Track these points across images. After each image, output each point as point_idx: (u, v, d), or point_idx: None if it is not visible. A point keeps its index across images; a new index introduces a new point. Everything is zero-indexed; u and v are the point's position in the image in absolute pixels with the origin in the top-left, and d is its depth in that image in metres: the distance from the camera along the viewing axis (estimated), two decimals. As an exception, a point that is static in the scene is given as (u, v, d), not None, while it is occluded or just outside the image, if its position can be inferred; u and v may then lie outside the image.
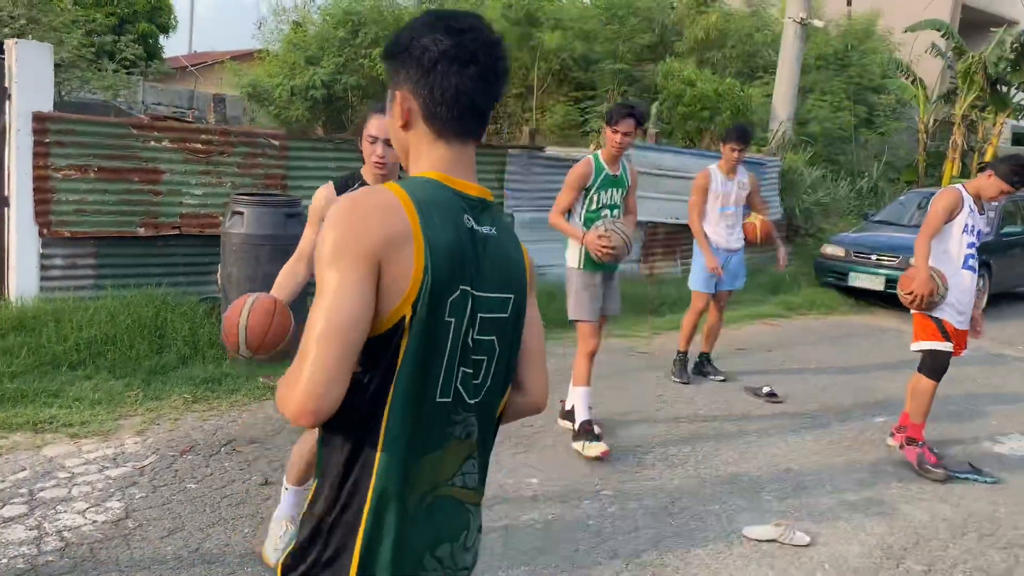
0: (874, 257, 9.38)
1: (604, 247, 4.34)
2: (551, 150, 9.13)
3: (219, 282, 5.86)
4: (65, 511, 3.45)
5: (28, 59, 5.61)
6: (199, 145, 6.32)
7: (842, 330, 8.47)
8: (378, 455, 1.37)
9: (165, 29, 32.67)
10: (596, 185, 4.58)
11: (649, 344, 7.27)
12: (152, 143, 6.11)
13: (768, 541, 3.66)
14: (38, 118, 5.60)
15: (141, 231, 6.12)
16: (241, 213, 5.58)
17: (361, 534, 1.37)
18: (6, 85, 5.62)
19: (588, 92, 15.87)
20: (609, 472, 4.30)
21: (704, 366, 6.28)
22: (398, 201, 1.37)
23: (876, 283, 9.18)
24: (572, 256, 4.67)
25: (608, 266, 4.62)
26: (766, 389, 5.83)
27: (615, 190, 4.63)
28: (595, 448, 4.42)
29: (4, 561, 3.02)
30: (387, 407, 1.36)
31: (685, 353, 6.18)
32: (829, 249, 9.95)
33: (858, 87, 17.06)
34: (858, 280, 9.42)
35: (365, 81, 19.93)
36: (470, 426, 1.48)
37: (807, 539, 3.68)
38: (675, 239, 10.08)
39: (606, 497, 4.00)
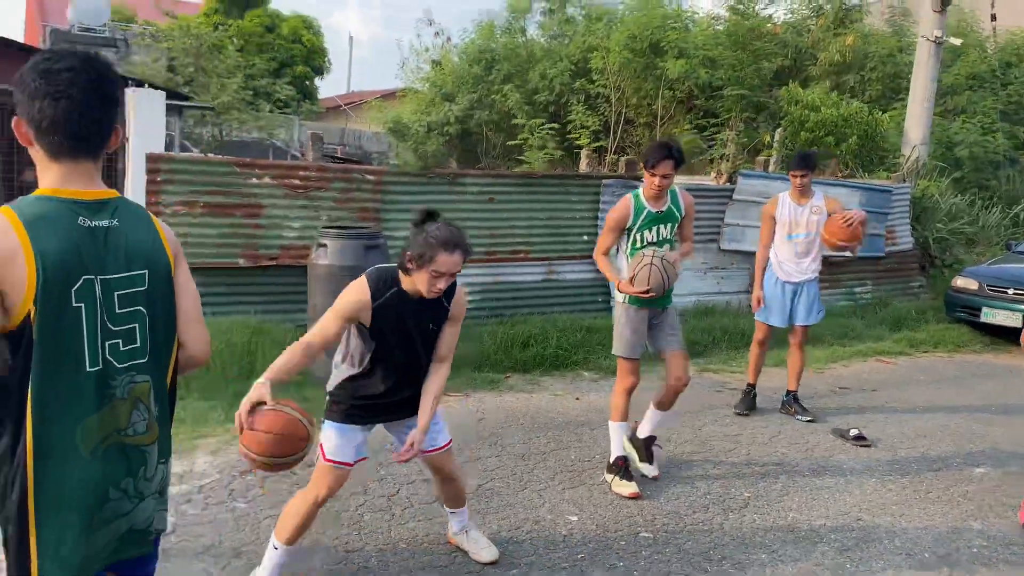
0: (1011, 291, 8.57)
1: (637, 292, 4.25)
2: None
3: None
4: (121, 522, 3.73)
5: (143, 105, 6.20)
6: (298, 181, 6.72)
7: (967, 370, 7.78)
8: (29, 425, 1.69)
9: (320, 71, 34.96)
10: (638, 224, 4.44)
11: (741, 379, 6.96)
12: (254, 180, 6.56)
13: (810, 596, 3.41)
14: (151, 158, 6.15)
15: (242, 262, 6.56)
16: (325, 245, 5.88)
17: (30, 475, 1.71)
18: (126, 131, 6.22)
19: (711, 120, 15.55)
20: (656, 513, 4.15)
21: (789, 405, 5.97)
22: (8, 223, 1.67)
23: (1013, 320, 8.37)
24: (617, 291, 4.56)
25: (660, 302, 4.47)
26: (854, 432, 5.44)
27: (662, 225, 4.47)
28: (626, 487, 4.31)
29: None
30: (29, 385, 1.69)
31: (751, 386, 6.01)
32: (961, 282, 9.18)
33: (1018, 107, 15.76)
34: (992, 316, 8.62)
35: (497, 116, 20.48)
36: (131, 384, 1.82)
37: (854, 598, 3.41)
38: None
39: (643, 540, 3.86)
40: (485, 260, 7.59)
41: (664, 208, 4.47)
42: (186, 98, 19.36)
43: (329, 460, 3.09)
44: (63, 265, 1.70)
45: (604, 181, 8.22)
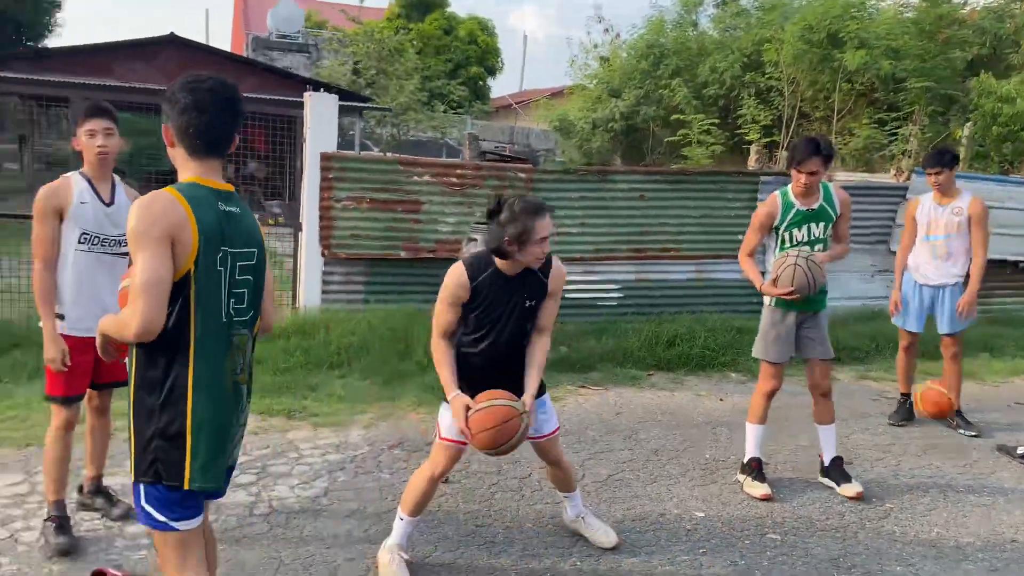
0: None
1: (780, 294, 4.16)
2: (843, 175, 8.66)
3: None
4: (281, 485, 4.16)
5: (319, 109, 6.75)
6: (454, 179, 7.08)
7: None
8: (191, 362, 2.18)
9: (493, 71, 35.95)
10: (786, 223, 4.33)
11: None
12: (415, 177, 6.97)
13: (944, 613, 3.27)
14: (324, 157, 6.70)
15: (403, 254, 7.00)
16: (475, 240, 6.17)
17: (190, 399, 2.18)
18: (304, 131, 6.81)
19: (893, 114, 14.62)
20: (786, 517, 4.09)
21: (951, 419, 5.61)
22: (176, 199, 2.16)
23: None
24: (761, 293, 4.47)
25: (809, 305, 4.34)
26: (1021, 450, 5.05)
27: (814, 224, 4.32)
28: (758, 488, 4.27)
29: (222, 517, 3.76)
30: (191, 321, 2.18)
31: (905, 396, 5.73)
32: None
33: None
34: None
35: (664, 111, 20.26)
36: (242, 335, 2.33)
37: (994, 619, 3.23)
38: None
39: (770, 540, 3.83)
40: (633, 257, 7.63)
41: (816, 206, 4.31)
42: (367, 100, 20.60)
43: (444, 438, 3.31)
44: (212, 236, 2.20)
45: (763, 178, 8.01)
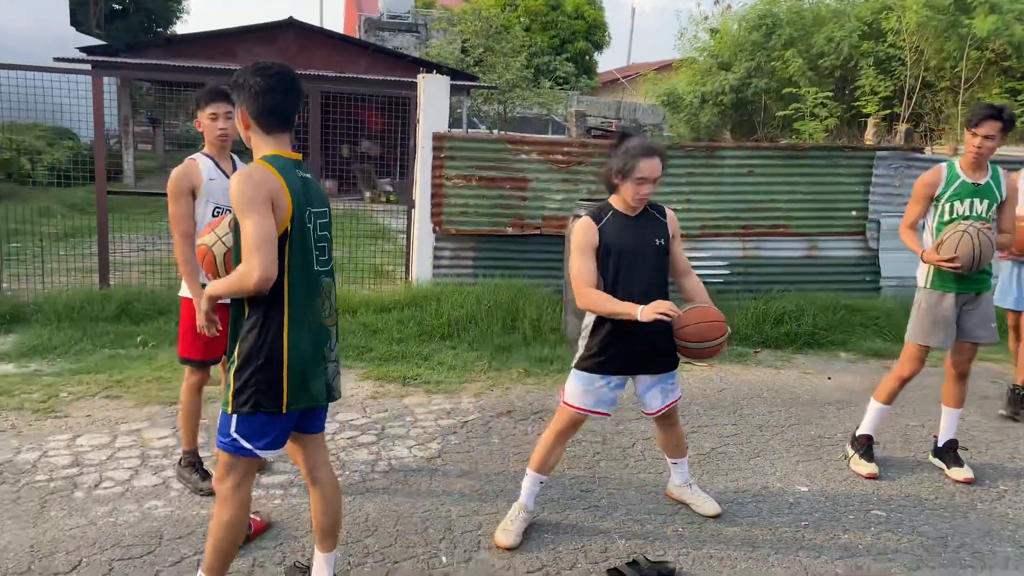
0: None
1: (944, 261, 3.98)
2: (930, 152, 8.33)
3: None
4: (399, 445, 4.45)
5: (431, 90, 6.99)
6: (560, 157, 7.21)
7: None
8: (287, 303, 2.56)
9: (599, 46, 35.65)
10: (948, 194, 4.13)
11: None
12: (522, 156, 7.14)
13: (1056, 596, 3.23)
14: (436, 137, 6.95)
15: (509, 230, 7.20)
16: (580, 216, 6.29)
17: (286, 339, 2.56)
18: (417, 113, 7.08)
19: (1026, 82, 13.80)
20: (893, 494, 4.08)
21: (1012, 403, 5.33)
22: (270, 172, 2.52)
23: None
24: (920, 273, 4.29)
25: (970, 285, 4.14)
26: None
27: (977, 200, 4.10)
28: (864, 467, 4.26)
29: (347, 472, 4.07)
30: (286, 273, 2.55)
31: (1017, 387, 5.39)
32: None
33: None
34: None
35: (776, 84, 19.69)
36: (326, 283, 2.71)
37: (1111, 604, 3.17)
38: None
39: (875, 517, 3.84)
40: (741, 234, 7.58)
41: (982, 182, 4.13)
42: (474, 78, 20.91)
43: (567, 404, 3.48)
44: (300, 198, 2.58)
45: (878, 153, 7.77)
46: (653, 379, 3.52)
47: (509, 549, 3.38)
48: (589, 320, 3.48)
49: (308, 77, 16.83)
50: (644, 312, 3.12)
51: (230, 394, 2.58)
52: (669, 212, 3.52)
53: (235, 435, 2.60)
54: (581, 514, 3.74)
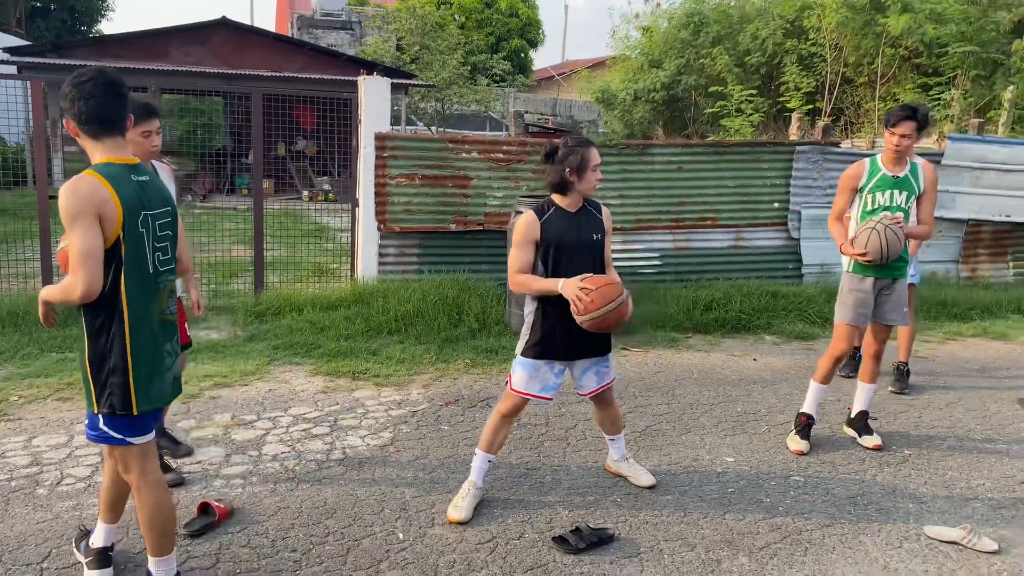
0: None
1: (856, 255, 4.35)
2: (849, 145, 8.86)
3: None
4: (352, 435, 4.66)
5: (372, 91, 7.18)
6: (500, 155, 7.48)
7: None
8: (125, 308, 2.70)
9: (534, 43, 36.01)
10: (870, 186, 4.48)
11: (935, 350, 6.89)
12: (463, 154, 7.39)
13: (948, 543, 3.63)
14: (378, 137, 7.15)
15: (453, 227, 7.44)
16: (521, 212, 6.57)
17: (128, 343, 2.70)
18: (359, 113, 7.26)
19: (937, 79, 14.56)
20: (811, 462, 4.47)
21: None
22: (99, 182, 2.61)
23: None
24: (844, 260, 4.64)
25: (887, 272, 4.50)
26: (1041, 403, 5.34)
27: (897, 191, 4.45)
28: (797, 443, 4.59)
29: (303, 462, 4.27)
30: (122, 280, 2.68)
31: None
32: None
33: None
34: None
35: (705, 80, 20.30)
36: (167, 282, 2.87)
37: (995, 546, 3.58)
38: (1005, 238, 9.12)
39: (794, 482, 4.21)
40: (672, 227, 7.97)
41: (902, 175, 4.46)
42: (411, 76, 21.01)
43: (514, 390, 3.74)
44: (133, 205, 2.68)
45: (798, 148, 8.26)
46: (590, 362, 3.83)
47: (461, 523, 3.63)
48: (531, 310, 3.75)
49: (245, 77, 16.73)
50: (564, 286, 3.48)
51: (93, 395, 2.74)
52: (604, 209, 3.83)
53: (104, 428, 2.77)
54: (527, 490, 4.02)
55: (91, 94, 2.66)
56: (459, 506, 3.69)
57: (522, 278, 3.63)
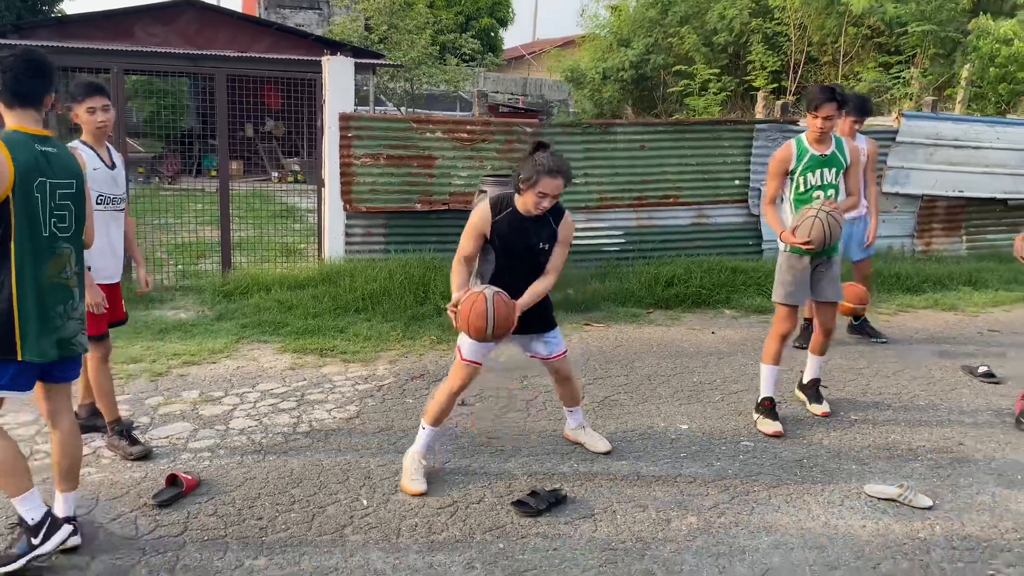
0: None
1: (798, 243, 4.44)
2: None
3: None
4: (319, 409, 4.78)
5: (337, 72, 7.23)
6: (465, 135, 7.56)
7: None
8: (13, 265, 2.86)
9: (504, 22, 35.87)
10: (800, 168, 4.55)
11: (888, 321, 7.12)
12: (428, 134, 7.47)
13: (887, 500, 3.83)
14: (343, 117, 7.20)
15: (418, 207, 7.53)
16: (485, 192, 6.68)
17: (15, 296, 2.86)
18: (323, 93, 7.30)
19: (898, 57, 14.84)
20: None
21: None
22: None
23: None
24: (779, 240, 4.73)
25: (823, 250, 4.57)
26: (983, 369, 5.58)
27: (826, 170, 4.55)
28: (769, 426, 4.56)
29: (270, 435, 4.38)
30: (12, 236, 2.85)
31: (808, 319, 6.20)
32: None
33: None
34: None
35: (673, 59, 20.43)
36: (66, 248, 3.03)
37: (929, 502, 3.78)
38: (958, 213, 9.39)
39: (744, 447, 4.40)
40: (635, 205, 8.12)
41: (828, 152, 4.56)
42: (379, 56, 20.91)
43: (465, 359, 3.87)
44: (29, 169, 2.87)
45: (757, 126, 8.43)
46: (532, 336, 4.03)
47: (420, 495, 3.75)
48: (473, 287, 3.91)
49: (211, 58, 16.58)
50: (456, 297, 3.71)
51: None
52: (566, 218, 3.87)
53: None
54: (488, 458, 4.16)
55: (10, 67, 2.89)
56: (416, 479, 3.80)
57: (455, 272, 3.80)
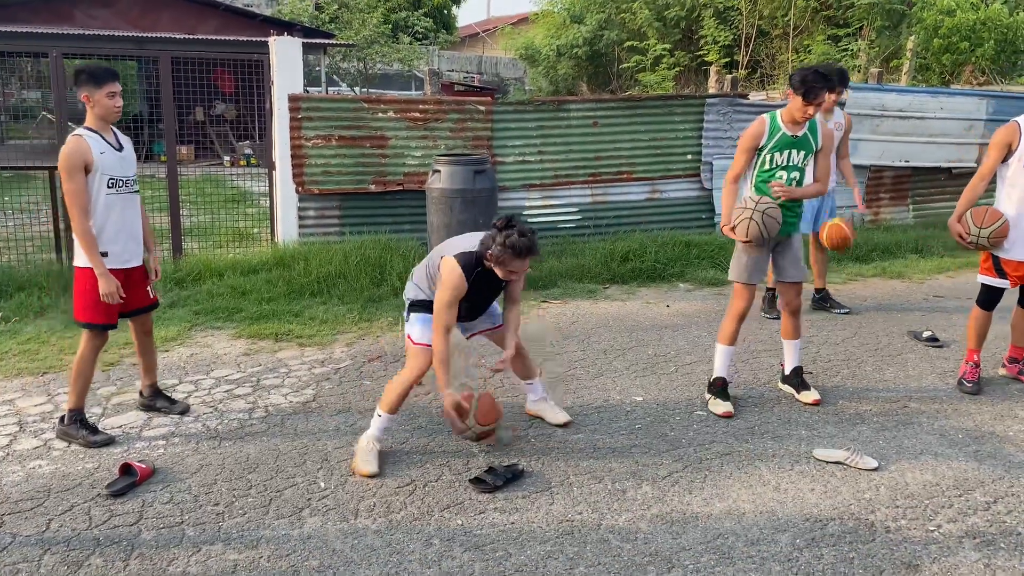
0: None
1: (739, 240, 4.43)
2: (757, 96, 9.16)
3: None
4: (275, 394, 4.75)
5: (284, 52, 7.12)
6: (418, 114, 7.51)
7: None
8: None
9: (457, 0, 35.49)
10: (769, 146, 4.41)
11: (838, 291, 7.27)
12: (380, 114, 7.40)
13: (835, 463, 3.94)
14: (292, 98, 7.10)
15: (372, 188, 7.48)
16: (439, 171, 6.66)
17: None
18: (271, 74, 7.19)
19: (845, 30, 15.04)
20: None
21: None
22: None
23: None
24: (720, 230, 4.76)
25: (781, 229, 4.44)
26: (927, 334, 5.74)
27: (795, 151, 4.41)
28: (720, 406, 4.51)
29: (225, 422, 4.35)
30: None
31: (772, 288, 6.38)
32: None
33: None
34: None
35: (627, 35, 20.46)
36: None
37: (875, 464, 3.90)
38: (904, 182, 9.60)
39: (697, 417, 4.48)
40: (590, 181, 8.16)
41: (800, 134, 4.41)
42: (330, 36, 20.60)
43: (418, 343, 3.88)
44: None
45: (708, 100, 8.50)
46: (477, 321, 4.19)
47: (372, 476, 3.76)
48: (422, 291, 3.96)
49: (157, 40, 16.19)
50: (446, 399, 3.76)
51: None
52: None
53: None
54: (446, 437, 4.19)
55: None
56: (368, 460, 3.80)
57: (442, 350, 3.74)
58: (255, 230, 8.44)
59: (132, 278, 4.13)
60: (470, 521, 3.40)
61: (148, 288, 4.26)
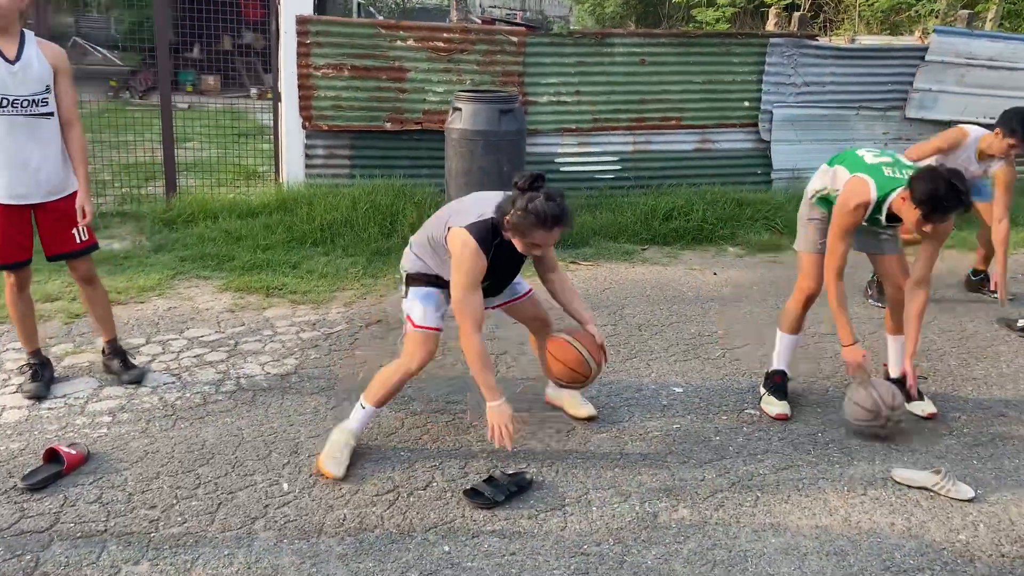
0: None
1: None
2: (827, 42, 8.15)
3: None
4: (251, 362, 4.08)
5: (292, -32, 6.30)
6: (441, 44, 6.67)
7: None
8: None
9: (505, -68, 33.90)
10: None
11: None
12: (398, 42, 6.58)
13: (919, 488, 3.18)
14: (300, 20, 6.30)
15: (388, 126, 6.70)
16: (460, 109, 5.85)
17: None
18: (277, -8, 6.39)
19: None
20: (768, 391, 3.98)
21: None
22: None
23: None
24: (811, 183, 3.78)
25: None
26: (1022, 322, 4.88)
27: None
28: (774, 406, 3.73)
29: (187, 395, 3.69)
30: None
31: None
32: None
33: None
34: None
35: (680, -28, 19.14)
36: None
37: (971, 493, 3.13)
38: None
39: (748, 416, 3.72)
40: (632, 127, 7.28)
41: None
42: (365, -36, 19.57)
43: (419, 327, 3.15)
44: None
45: (772, 40, 7.51)
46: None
47: (334, 479, 3.07)
48: (424, 262, 3.21)
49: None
50: (493, 411, 3.04)
51: None
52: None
53: None
54: (443, 427, 3.49)
55: None
56: (338, 459, 3.11)
57: (476, 348, 3.01)
58: (263, 168, 7.72)
59: (41, 217, 3.47)
60: (459, 549, 2.71)
61: (74, 230, 3.55)
